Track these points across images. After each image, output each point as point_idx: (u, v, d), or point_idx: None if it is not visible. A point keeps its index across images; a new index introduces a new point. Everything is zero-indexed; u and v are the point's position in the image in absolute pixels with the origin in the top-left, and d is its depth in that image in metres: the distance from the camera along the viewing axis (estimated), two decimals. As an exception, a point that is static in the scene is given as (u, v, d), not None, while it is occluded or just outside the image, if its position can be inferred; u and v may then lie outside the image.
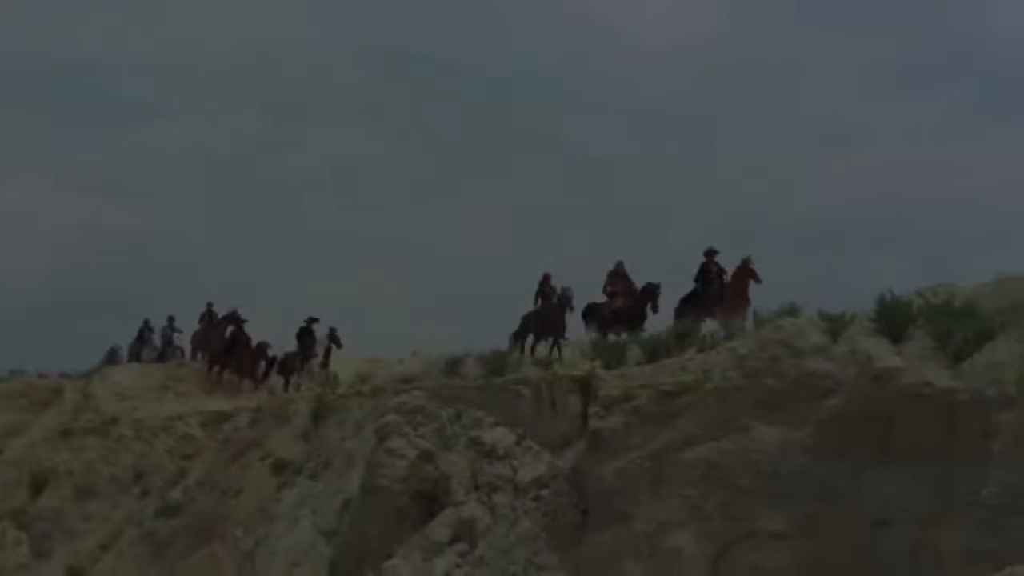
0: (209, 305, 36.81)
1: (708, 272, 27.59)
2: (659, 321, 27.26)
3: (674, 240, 59.37)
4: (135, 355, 39.14)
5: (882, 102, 72.24)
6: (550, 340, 29.06)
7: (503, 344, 29.25)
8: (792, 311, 22.47)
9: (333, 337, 33.16)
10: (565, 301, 28.91)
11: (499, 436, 24.54)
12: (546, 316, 29.26)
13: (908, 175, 54.00)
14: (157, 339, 39.14)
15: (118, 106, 79.46)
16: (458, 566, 22.58)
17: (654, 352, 23.88)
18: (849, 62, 73.62)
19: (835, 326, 20.54)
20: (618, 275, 29.20)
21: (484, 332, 30.95)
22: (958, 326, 18.83)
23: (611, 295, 28.97)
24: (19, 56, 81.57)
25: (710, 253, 27.76)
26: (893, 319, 19.87)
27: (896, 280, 22.58)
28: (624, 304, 28.49)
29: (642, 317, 27.84)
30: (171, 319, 38.85)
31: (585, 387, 24.01)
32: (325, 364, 32.59)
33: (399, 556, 23.26)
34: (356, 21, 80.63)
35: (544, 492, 22.98)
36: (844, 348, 19.82)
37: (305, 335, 33.52)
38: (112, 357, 39.61)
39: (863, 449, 18.48)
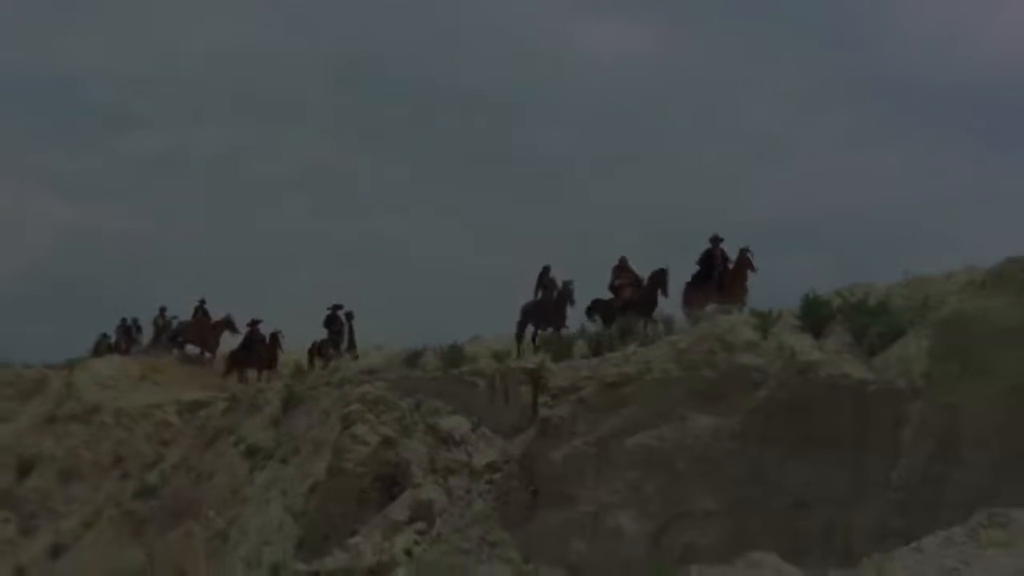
0: (202, 301, 36.40)
1: (713, 257, 26.45)
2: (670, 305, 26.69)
3: (618, 241, 59.71)
4: (121, 349, 38.96)
5: (804, 117, 73.13)
6: (550, 331, 28.22)
7: (464, 335, 29.32)
8: (725, 308, 22.91)
9: (349, 320, 32.55)
10: (567, 294, 28.17)
11: (455, 424, 24.83)
12: (547, 307, 28.46)
13: (828, 183, 54.80)
14: (143, 336, 38.98)
15: (97, 114, 78.82)
16: (416, 543, 22.81)
17: (599, 346, 24.19)
18: (775, 80, 74.44)
19: (764, 323, 20.87)
20: (623, 268, 28.05)
21: (443, 327, 30.83)
22: (872, 323, 19.26)
23: (618, 288, 27.77)
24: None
25: (715, 240, 26.57)
26: (815, 316, 20.28)
27: (818, 280, 23.18)
28: (633, 295, 27.27)
29: (653, 304, 26.60)
30: (163, 309, 38.31)
31: (535, 378, 24.30)
32: (352, 347, 32.03)
33: (362, 534, 23.54)
34: (326, 32, 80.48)
35: (497, 475, 23.30)
36: (772, 343, 20.13)
37: (332, 321, 32.69)
38: (100, 346, 39.47)
39: (787, 436, 18.76)
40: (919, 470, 17.02)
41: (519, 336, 28.24)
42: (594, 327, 27.04)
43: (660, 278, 26.68)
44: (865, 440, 17.98)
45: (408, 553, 22.78)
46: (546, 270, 28.92)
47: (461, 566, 21.11)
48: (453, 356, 27.08)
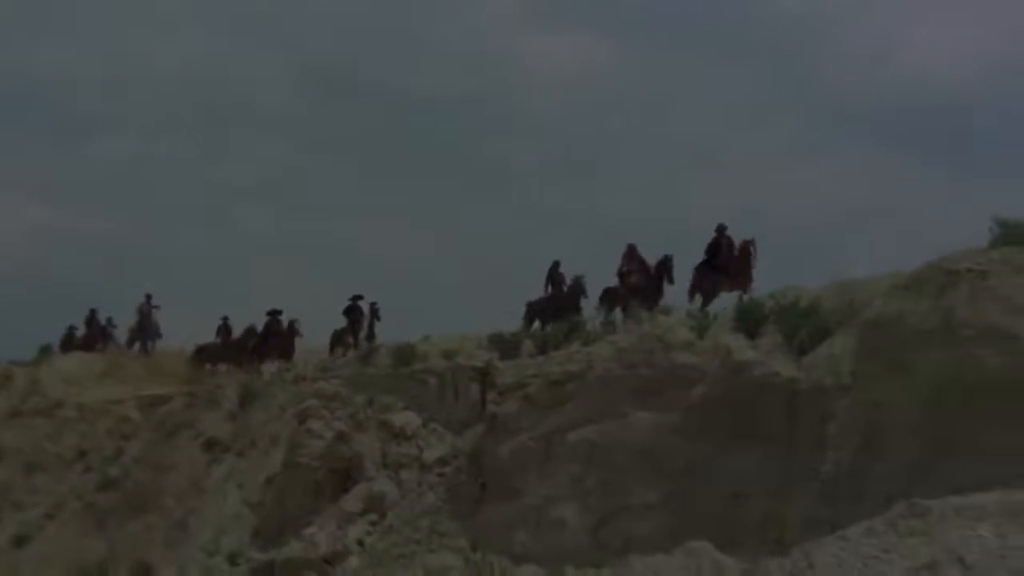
0: (225, 319, 34.49)
1: (719, 245, 25.83)
2: (677, 292, 26.35)
3: (563, 241, 60.05)
4: (89, 344, 38.52)
5: (742, 128, 74.00)
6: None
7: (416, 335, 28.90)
8: (665, 310, 23.08)
9: (374, 312, 31.70)
10: (579, 289, 27.72)
11: (407, 419, 24.86)
12: (558, 303, 27.81)
13: (763, 192, 55.45)
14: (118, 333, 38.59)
15: (69, 120, 78.27)
16: (369, 534, 22.86)
17: (545, 345, 24.30)
18: (715, 94, 75.29)
19: (701, 324, 21.19)
20: (631, 256, 27.21)
21: (397, 326, 30.69)
22: (802, 324, 19.43)
23: (625, 274, 27.05)
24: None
25: (721, 228, 25.95)
26: (749, 318, 20.57)
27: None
28: (639, 281, 26.66)
29: (658, 291, 26.23)
30: (149, 296, 37.26)
31: (484, 376, 24.45)
32: (370, 337, 31.21)
33: (316, 525, 23.57)
34: (290, 42, 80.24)
35: (446, 469, 23.42)
36: (708, 343, 20.34)
37: (352, 311, 31.80)
38: (68, 339, 39.02)
39: (722, 431, 18.88)
40: (845, 463, 17.21)
41: (525, 331, 27.51)
42: (604, 315, 26.55)
43: (666, 265, 26.33)
44: (795, 435, 18.13)
45: (360, 543, 22.82)
46: (555, 266, 28.49)
47: (411, 555, 21.19)
48: (405, 354, 27.07)
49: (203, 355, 33.27)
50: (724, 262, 25.48)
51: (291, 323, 31.74)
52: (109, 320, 38.79)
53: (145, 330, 35.70)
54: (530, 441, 21.36)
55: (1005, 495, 13.61)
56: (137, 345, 36.99)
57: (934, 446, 16.11)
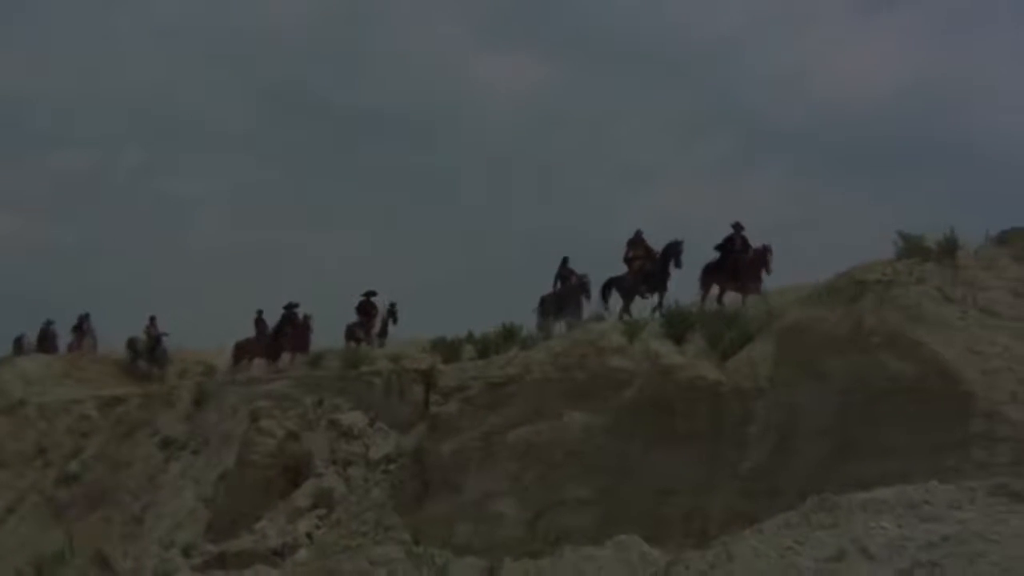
0: (260, 311, 32.44)
1: (732, 242, 23.92)
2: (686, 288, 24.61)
3: (512, 254, 60.38)
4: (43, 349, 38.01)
5: (673, 148, 74.86)
6: (567, 320, 25.98)
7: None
8: (598, 317, 23.33)
9: (392, 312, 30.81)
10: (583, 287, 26.29)
11: (354, 419, 24.88)
12: (564, 297, 26.56)
13: (692, 206, 56.10)
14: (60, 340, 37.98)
15: (23, 134, 77.38)
16: (317, 527, 22.94)
17: (485, 349, 24.43)
18: (648, 113, 76.08)
19: (632, 329, 21.39)
20: (637, 242, 25.77)
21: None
22: (726, 331, 19.85)
23: (631, 260, 25.51)
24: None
25: (737, 227, 24.05)
26: (677, 324, 20.83)
27: (681, 293, 23.74)
28: (645, 267, 25.16)
29: (665, 275, 24.61)
30: (153, 318, 35.66)
31: (427, 378, 24.46)
32: (383, 334, 30.40)
33: (267, 519, 23.59)
34: (239, 59, 79.68)
35: (391, 466, 23.44)
36: (638, 348, 20.59)
37: (364, 308, 30.82)
38: (19, 345, 38.55)
39: (651, 431, 19.22)
40: (763, 461, 17.64)
41: (540, 327, 26.05)
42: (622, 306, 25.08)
43: (674, 250, 24.56)
44: (718, 435, 18.54)
45: (309, 536, 22.88)
46: (564, 262, 27.22)
47: (357, 547, 21.21)
48: (353, 357, 27.16)
49: (241, 351, 32.04)
50: (734, 262, 23.65)
51: (305, 317, 30.77)
52: (88, 317, 37.88)
53: (153, 354, 34.30)
54: (470, 440, 21.56)
55: (905, 490, 13.94)
56: (142, 364, 35.27)
57: (843, 445, 16.58)
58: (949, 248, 18.36)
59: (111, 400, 31.26)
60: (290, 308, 30.91)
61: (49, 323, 38.46)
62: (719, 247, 23.98)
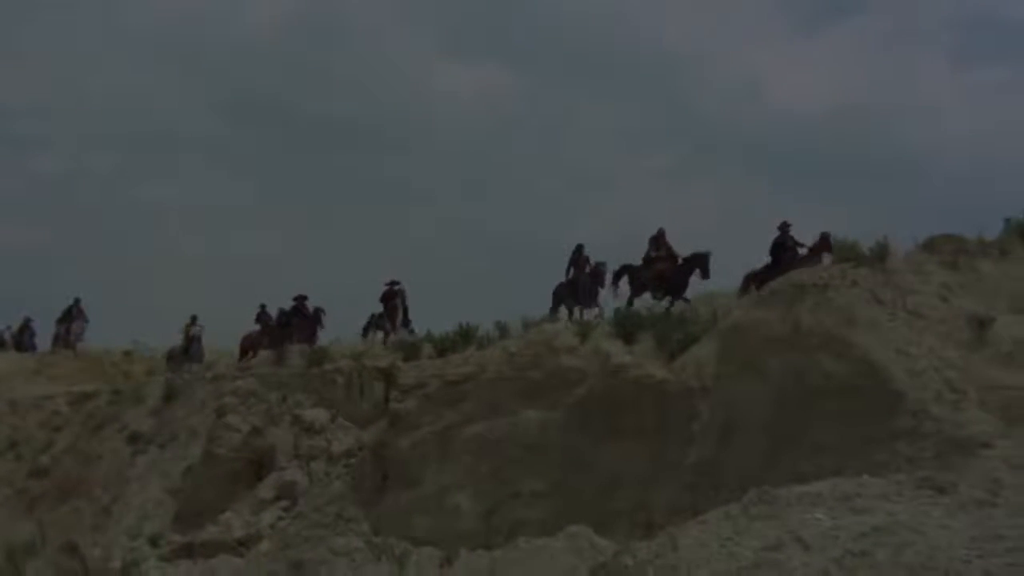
0: (263, 306, 31.43)
1: (783, 245, 22.80)
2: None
3: (464, 255, 60.58)
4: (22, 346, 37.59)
5: (628, 155, 75.50)
6: (582, 309, 25.40)
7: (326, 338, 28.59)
8: (551, 318, 23.46)
9: (318, 317, 29.67)
10: (598, 275, 25.31)
11: (317, 415, 24.88)
12: (579, 286, 25.58)
13: (647, 212, 56.57)
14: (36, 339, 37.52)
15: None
16: (280, 518, 22.89)
17: (443, 348, 24.43)
18: (605, 122, 76.63)
19: (583, 330, 21.56)
20: (659, 240, 24.71)
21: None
22: (673, 332, 20.07)
23: (653, 260, 24.48)
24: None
25: (784, 227, 23.03)
26: (626, 325, 21.03)
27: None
28: (667, 269, 24.12)
29: (685, 283, 23.73)
30: (194, 317, 35.26)
31: (387, 375, 24.52)
32: (406, 323, 29.24)
33: (232, 510, 23.55)
34: (209, 70, 79.32)
35: (352, 461, 23.48)
36: (590, 348, 20.75)
37: (388, 297, 29.50)
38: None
39: (601, 427, 19.39)
40: (706, 456, 17.83)
41: (552, 316, 25.26)
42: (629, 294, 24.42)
43: (702, 261, 23.61)
44: (664, 430, 18.68)
45: (272, 527, 22.81)
46: (579, 249, 26.17)
47: (319, 538, 21.21)
48: (315, 355, 27.11)
49: (247, 344, 31.42)
50: (787, 264, 21.83)
51: (316, 310, 29.72)
52: (79, 301, 37.20)
53: (190, 353, 33.28)
54: (429, 435, 21.58)
55: (838, 483, 14.25)
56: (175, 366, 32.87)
57: (780, 440, 16.81)
58: (881, 254, 18.73)
59: (81, 396, 31.10)
60: (299, 300, 30.01)
61: (28, 321, 38.12)
62: (772, 251, 22.91)
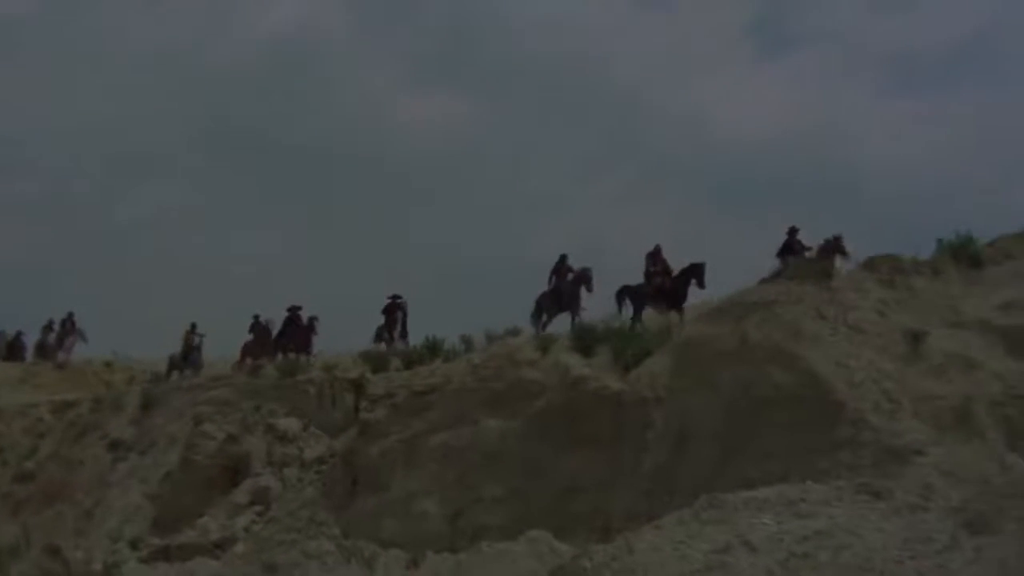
0: (256, 316, 30.56)
1: (792, 248, 22.80)
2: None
3: (433, 276, 60.75)
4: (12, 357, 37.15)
5: (585, 177, 76.08)
6: (572, 317, 24.54)
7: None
8: (513, 332, 23.59)
9: (311, 325, 29.03)
10: (584, 280, 24.65)
11: (290, 424, 24.86)
12: (561, 293, 24.94)
13: (598, 235, 56.93)
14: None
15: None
16: (255, 523, 22.80)
17: (410, 361, 24.56)
18: (558, 149, 77.20)
19: (543, 344, 21.72)
20: (656, 256, 24.09)
21: None
22: (629, 345, 20.25)
23: (650, 275, 23.84)
24: None
25: (793, 231, 23.02)
26: (585, 339, 21.18)
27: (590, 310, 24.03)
28: (664, 283, 23.49)
29: (683, 295, 23.10)
30: (194, 325, 35.01)
31: (357, 386, 24.60)
32: (403, 335, 28.40)
33: (209, 515, 23.44)
34: (184, 95, 79.03)
35: (324, 467, 23.43)
36: (550, 360, 20.86)
37: (390, 310, 28.75)
38: None
39: (560, 436, 19.42)
40: (660, 463, 17.94)
41: (534, 323, 24.96)
42: (629, 312, 23.52)
43: (697, 272, 23.08)
44: (620, 439, 18.80)
45: (247, 530, 22.72)
46: (562, 259, 25.51)
47: (292, 542, 21.16)
48: (289, 367, 27.13)
49: (244, 353, 31.03)
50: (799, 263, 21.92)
51: (311, 319, 29.18)
52: (72, 315, 36.81)
53: (189, 360, 32.75)
54: (396, 443, 21.58)
55: (783, 489, 14.46)
56: (175, 374, 32.06)
57: (730, 448, 16.98)
58: (824, 272, 18.98)
59: (64, 405, 30.87)
60: (293, 311, 29.49)
61: (19, 334, 37.75)
62: (779, 254, 22.91)
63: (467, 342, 24.34)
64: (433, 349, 24.69)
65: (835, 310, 18.21)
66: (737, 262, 23.60)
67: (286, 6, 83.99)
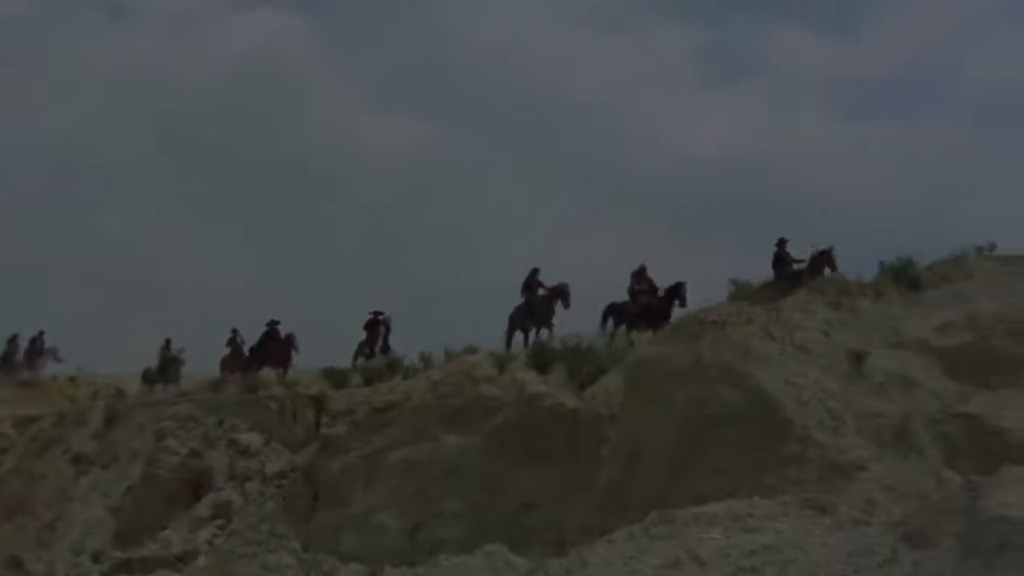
0: (234, 331, 30.11)
1: (782, 260, 22.58)
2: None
3: (393, 293, 60.75)
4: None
5: (542, 198, 76.61)
6: (538, 331, 24.57)
7: None
8: (471, 349, 23.66)
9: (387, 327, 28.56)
10: (561, 295, 24.54)
11: (251, 438, 24.85)
12: (534, 308, 24.80)
13: (554, 253, 57.14)
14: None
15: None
16: (216, 536, 22.75)
17: (371, 377, 24.58)
18: (518, 168, 77.65)
19: (501, 361, 21.80)
20: (641, 275, 24.19)
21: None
22: (584, 363, 20.38)
23: (636, 293, 23.94)
24: None
25: (782, 243, 22.75)
26: (541, 357, 21.35)
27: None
28: (650, 302, 23.58)
29: (667, 314, 23.03)
30: (168, 340, 34.65)
31: (318, 402, 24.62)
32: (385, 350, 28.03)
33: (171, 528, 23.40)
34: (149, 108, 78.58)
35: (285, 482, 23.42)
36: (507, 378, 20.96)
37: (371, 326, 28.37)
38: None
39: (517, 452, 19.53)
40: (614, 479, 18.07)
41: (507, 342, 24.67)
42: (611, 329, 23.80)
43: (679, 291, 23.33)
44: (575, 455, 18.91)
45: (209, 544, 22.66)
46: (534, 273, 25.32)
47: (252, 555, 20.98)
48: (251, 382, 27.06)
49: (223, 367, 30.64)
50: (786, 278, 22.07)
51: (289, 335, 28.74)
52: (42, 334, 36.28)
53: (168, 374, 32.16)
54: (357, 459, 21.58)
55: (732, 504, 14.66)
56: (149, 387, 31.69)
57: (682, 465, 17.16)
58: (772, 294, 19.27)
59: (27, 419, 30.58)
60: (272, 325, 28.99)
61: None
62: (773, 265, 22.78)
63: (426, 359, 24.39)
64: (393, 366, 24.73)
65: (783, 330, 18.47)
66: (694, 282, 23.71)
67: (249, 29, 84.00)
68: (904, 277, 20.31)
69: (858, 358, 18.05)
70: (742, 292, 19.99)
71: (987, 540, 11.75)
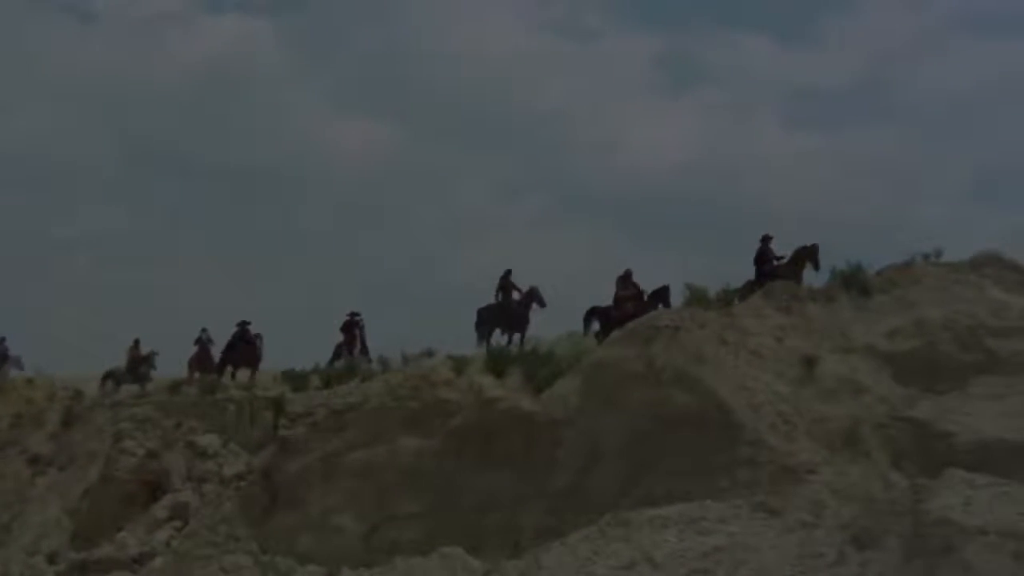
0: (204, 330, 29.90)
1: (764, 255, 22.72)
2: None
3: (355, 296, 60.52)
4: None
5: (501, 203, 77.04)
6: (511, 338, 24.68)
7: None
8: (430, 353, 23.62)
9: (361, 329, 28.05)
10: (536, 298, 24.62)
11: (210, 441, 24.55)
12: (509, 312, 24.81)
13: (516, 257, 57.46)
14: None
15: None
16: (173, 537, 22.47)
17: (329, 380, 24.43)
18: (482, 173, 78.00)
19: (459, 365, 21.71)
20: (626, 281, 24.08)
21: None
22: (541, 367, 20.39)
23: (621, 300, 23.76)
24: None
25: (766, 239, 22.94)
26: (498, 361, 21.35)
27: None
28: (636, 308, 23.07)
29: None
30: (2, 339, 34.36)
31: (277, 405, 24.26)
32: (364, 351, 27.85)
33: (128, 530, 23.09)
34: (119, 121, 77.96)
35: (243, 483, 23.07)
36: (465, 381, 20.87)
37: (348, 327, 28.17)
38: None
39: (474, 454, 19.42)
40: (569, 482, 18.05)
41: (480, 339, 24.78)
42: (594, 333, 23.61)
43: (663, 295, 23.36)
44: (532, 458, 18.83)
45: (167, 545, 22.40)
46: (507, 274, 25.37)
47: (210, 556, 20.90)
48: (209, 385, 26.82)
49: (191, 366, 30.10)
50: (768, 275, 22.15)
51: (256, 336, 28.55)
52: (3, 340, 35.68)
53: (138, 373, 31.54)
54: (315, 461, 21.37)
55: (686, 507, 14.74)
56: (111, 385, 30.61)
57: (637, 467, 17.20)
58: (726, 299, 19.39)
59: (-18, 420, 30.15)
60: (243, 325, 28.88)
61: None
62: (755, 261, 22.94)
63: (384, 362, 24.29)
64: (351, 369, 24.61)
65: (736, 335, 18.60)
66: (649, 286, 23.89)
67: (218, 33, 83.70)
68: (854, 283, 20.50)
69: (809, 363, 18.21)
70: (697, 297, 20.06)
71: (931, 542, 11.92)
